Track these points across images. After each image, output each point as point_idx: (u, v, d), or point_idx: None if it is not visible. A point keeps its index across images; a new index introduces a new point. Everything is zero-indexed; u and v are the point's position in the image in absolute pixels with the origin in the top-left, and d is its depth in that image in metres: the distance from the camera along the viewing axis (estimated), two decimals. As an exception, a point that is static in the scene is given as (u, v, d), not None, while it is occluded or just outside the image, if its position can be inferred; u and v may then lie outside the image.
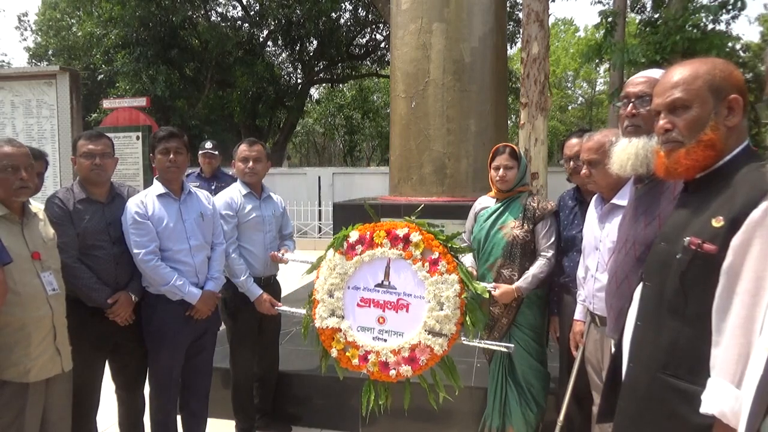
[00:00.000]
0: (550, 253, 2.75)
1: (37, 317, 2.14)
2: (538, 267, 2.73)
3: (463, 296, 2.49)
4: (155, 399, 2.82)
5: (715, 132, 1.40)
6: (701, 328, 1.32)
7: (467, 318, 2.51)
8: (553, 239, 2.77)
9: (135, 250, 2.64)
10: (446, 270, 2.51)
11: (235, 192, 3.15)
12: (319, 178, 13.32)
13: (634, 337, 1.57)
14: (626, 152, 1.87)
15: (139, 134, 8.29)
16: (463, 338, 2.56)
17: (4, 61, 23.82)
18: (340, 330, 2.62)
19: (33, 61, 21.44)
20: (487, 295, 2.61)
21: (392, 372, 2.54)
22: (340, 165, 26.50)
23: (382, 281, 2.63)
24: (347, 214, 4.37)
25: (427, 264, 2.54)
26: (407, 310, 2.58)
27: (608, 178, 2.19)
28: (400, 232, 2.59)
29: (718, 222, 1.32)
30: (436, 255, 2.54)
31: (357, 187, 12.37)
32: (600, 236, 2.25)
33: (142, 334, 2.77)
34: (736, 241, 1.26)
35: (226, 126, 18.18)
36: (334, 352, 2.63)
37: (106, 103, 9.33)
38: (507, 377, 2.83)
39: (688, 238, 1.37)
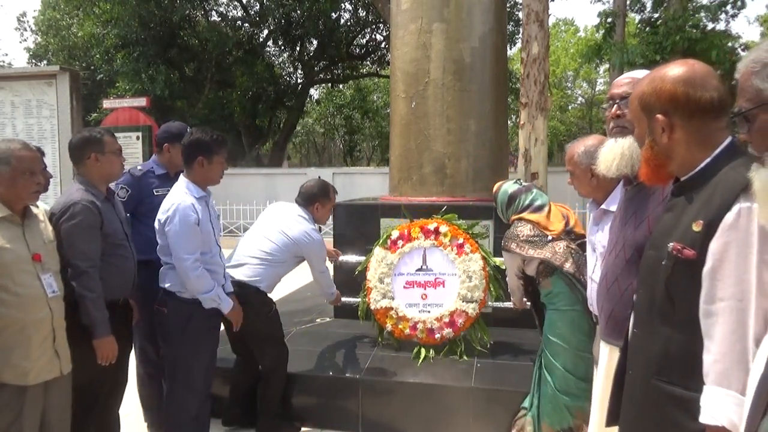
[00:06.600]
0: None
1: (37, 319, 2.12)
2: None
3: (486, 269, 3.28)
4: (192, 397, 2.71)
5: (648, 150, 1.46)
6: (691, 333, 1.32)
7: (491, 286, 3.32)
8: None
9: (184, 256, 2.55)
10: (471, 251, 3.33)
11: None
12: (319, 178, 13.29)
13: (631, 344, 1.58)
14: (612, 152, 1.87)
15: (139, 134, 8.28)
16: (489, 302, 3.35)
17: (4, 61, 23.83)
18: (392, 309, 3.37)
19: (33, 61, 21.40)
20: (504, 267, 3.05)
21: (437, 336, 3.30)
22: (340, 165, 26.46)
23: (422, 266, 3.41)
24: (348, 213, 4.36)
25: (455, 248, 3.35)
26: (444, 286, 3.35)
27: (583, 187, 2.30)
28: (431, 226, 3.40)
29: (698, 226, 1.30)
30: (461, 240, 3.36)
31: (357, 187, 12.34)
32: (594, 240, 2.27)
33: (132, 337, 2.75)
34: (713, 245, 1.27)
35: (226, 126, 18.12)
36: (388, 327, 3.38)
37: (106, 103, 9.32)
38: (542, 370, 2.73)
39: (671, 243, 1.36)
